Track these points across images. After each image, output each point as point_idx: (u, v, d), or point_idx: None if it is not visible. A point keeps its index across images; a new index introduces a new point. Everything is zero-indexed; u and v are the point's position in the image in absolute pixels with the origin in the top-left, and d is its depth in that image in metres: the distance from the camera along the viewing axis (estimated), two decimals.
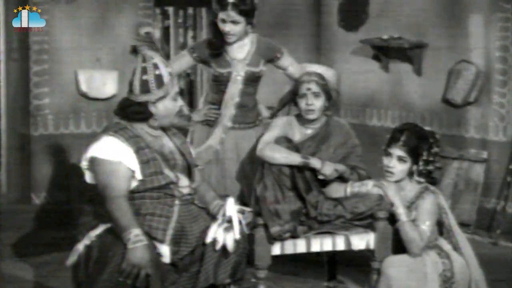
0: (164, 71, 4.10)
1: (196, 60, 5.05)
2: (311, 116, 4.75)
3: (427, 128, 4.72)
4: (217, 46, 4.94)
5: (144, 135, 4.13)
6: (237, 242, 4.08)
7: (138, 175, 4.04)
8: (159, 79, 4.09)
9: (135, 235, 3.88)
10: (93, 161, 4.04)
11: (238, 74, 4.97)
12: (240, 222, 4.10)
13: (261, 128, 5.05)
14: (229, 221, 4.08)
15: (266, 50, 5.03)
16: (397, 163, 4.53)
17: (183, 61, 5.06)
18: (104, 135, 4.08)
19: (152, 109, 4.10)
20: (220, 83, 5.01)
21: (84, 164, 4.08)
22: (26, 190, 6.67)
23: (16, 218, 6.39)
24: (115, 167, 4.00)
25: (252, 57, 4.99)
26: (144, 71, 4.11)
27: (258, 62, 5.00)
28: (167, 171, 4.11)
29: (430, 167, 4.56)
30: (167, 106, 4.11)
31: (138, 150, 4.05)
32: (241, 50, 4.98)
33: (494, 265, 5.12)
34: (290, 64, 5.08)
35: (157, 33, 4.03)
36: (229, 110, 5.00)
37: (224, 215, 4.11)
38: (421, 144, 4.54)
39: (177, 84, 4.18)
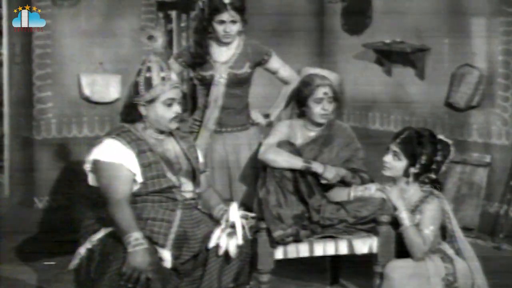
0: (155, 74, 4.10)
1: (182, 66, 5.04)
2: (323, 120, 4.75)
3: (443, 138, 4.70)
4: (201, 50, 4.94)
5: (147, 138, 4.13)
6: (240, 246, 4.08)
7: (139, 178, 4.04)
8: (148, 81, 4.11)
9: (135, 239, 3.88)
10: (95, 164, 4.06)
11: (221, 77, 4.96)
12: (243, 227, 4.10)
13: (252, 132, 5.05)
14: (232, 226, 4.08)
15: (253, 53, 5.01)
16: (391, 158, 4.55)
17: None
18: (106, 138, 4.10)
19: (143, 111, 4.12)
20: (204, 87, 5.01)
21: (87, 166, 4.10)
22: (29, 193, 6.67)
23: (18, 222, 6.40)
24: (116, 170, 4.01)
25: (236, 60, 4.97)
26: (139, 73, 4.15)
27: (242, 64, 4.98)
28: (169, 175, 4.11)
29: (432, 175, 4.56)
30: (158, 111, 4.11)
31: (139, 153, 4.05)
32: (225, 53, 4.98)
33: (497, 269, 5.11)
34: (280, 66, 5.08)
35: (160, 38, 4.02)
36: (213, 113, 4.99)
37: (227, 220, 4.11)
38: (421, 148, 4.54)
39: (175, 90, 4.15)
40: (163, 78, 4.11)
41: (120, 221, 3.93)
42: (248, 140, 4.99)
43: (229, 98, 4.99)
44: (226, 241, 4.05)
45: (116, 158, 4.03)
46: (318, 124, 4.78)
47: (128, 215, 3.94)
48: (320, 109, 4.73)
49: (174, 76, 4.17)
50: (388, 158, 4.56)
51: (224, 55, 4.98)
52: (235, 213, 4.11)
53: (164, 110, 4.11)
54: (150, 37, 4.33)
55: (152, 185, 4.06)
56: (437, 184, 4.60)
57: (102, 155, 4.05)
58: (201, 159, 4.37)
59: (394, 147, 4.54)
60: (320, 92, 4.73)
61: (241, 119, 5.06)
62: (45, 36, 6.51)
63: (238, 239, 4.06)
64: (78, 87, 6.62)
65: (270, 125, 5.11)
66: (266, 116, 5.13)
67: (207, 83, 4.98)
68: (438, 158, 4.58)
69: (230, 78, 4.96)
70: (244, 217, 4.15)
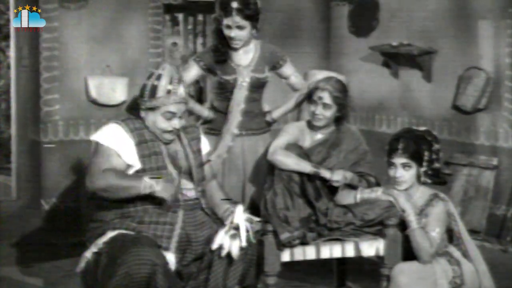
0: (162, 85, 4.09)
1: (203, 69, 5.02)
2: (316, 123, 4.74)
3: (421, 128, 4.71)
4: (221, 53, 4.94)
5: (154, 129, 4.13)
6: (244, 249, 4.07)
7: (137, 165, 4.04)
8: (153, 89, 4.11)
9: (147, 185, 3.93)
10: (95, 145, 4.08)
11: (244, 81, 4.96)
12: (247, 231, 4.09)
13: (269, 136, 5.04)
14: (236, 228, 4.08)
15: (270, 56, 5.02)
16: (403, 171, 4.53)
17: (192, 71, 5.00)
18: (112, 121, 4.14)
19: (143, 114, 4.12)
20: (225, 91, 5.00)
21: (91, 147, 4.12)
22: (36, 196, 6.68)
23: (25, 224, 6.41)
24: (110, 156, 4.03)
25: (256, 63, 4.98)
26: (149, 77, 4.15)
27: (263, 68, 4.99)
28: (170, 167, 4.10)
29: (436, 165, 4.56)
30: (156, 120, 4.11)
31: (140, 143, 4.06)
32: (246, 57, 4.98)
33: (504, 272, 5.11)
34: (292, 73, 5.08)
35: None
36: (235, 117, 4.99)
37: (231, 222, 4.10)
38: (420, 146, 4.53)
39: (178, 105, 4.12)
40: (168, 91, 4.10)
41: (119, 183, 3.95)
42: (265, 144, 4.98)
43: (249, 102, 4.99)
44: (229, 242, 4.04)
45: (114, 144, 4.04)
46: (324, 127, 4.77)
47: (121, 175, 3.95)
48: (312, 110, 4.72)
49: (181, 91, 4.14)
50: (400, 172, 4.53)
51: (244, 59, 4.97)
52: (240, 215, 4.11)
53: (162, 122, 4.11)
54: (174, 44, 4.34)
55: (151, 175, 4.06)
56: (440, 178, 4.59)
57: (101, 138, 4.07)
58: (205, 149, 4.36)
59: (401, 160, 4.51)
60: (315, 95, 4.71)
61: (259, 122, 5.07)
62: (52, 38, 6.52)
63: (242, 241, 4.05)
64: (85, 89, 6.63)
65: (273, 122, 5.11)
66: (268, 112, 5.13)
67: (229, 87, 4.97)
68: (436, 146, 4.57)
69: (252, 82, 4.96)
70: (249, 221, 4.15)
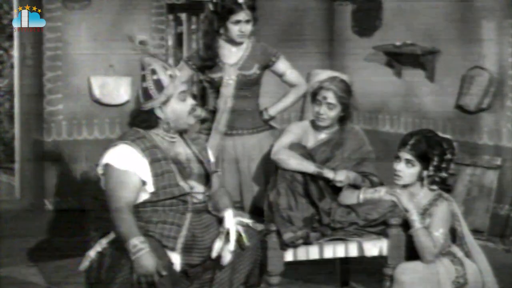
0: (162, 75, 4.08)
1: (193, 69, 5.04)
2: (321, 123, 4.74)
3: (443, 135, 4.69)
4: (211, 53, 4.96)
5: (160, 142, 4.10)
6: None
7: (150, 188, 4.02)
8: (158, 83, 4.08)
9: (133, 246, 3.84)
10: (106, 167, 4.03)
11: (230, 78, 4.97)
12: (240, 234, 4.07)
13: (264, 135, 5.04)
14: (228, 233, 4.07)
15: (261, 55, 5.02)
16: (405, 166, 4.52)
17: (183, 72, 5.01)
18: (122, 142, 4.04)
19: (160, 114, 4.09)
20: (214, 89, 5.03)
21: (100, 169, 4.07)
22: (39, 195, 6.69)
23: (29, 224, 6.42)
24: (126, 178, 3.97)
25: (244, 61, 4.99)
26: (144, 78, 4.11)
27: (251, 66, 4.99)
28: (182, 183, 4.09)
29: (443, 174, 4.55)
30: (175, 108, 4.09)
31: (153, 162, 4.02)
32: (235, 55, 5.00)
33: (507, 272, 5.10)
34: (286, 70, 5.07)
35: (149, 41, 4.05)
36: (223, 115, 5.00)
37: (224, 227, 4.10)
38: (431, 150, 4.52)
39: (183, 84, 4.14)
40: (171, 76, 4.11)
41: (119, 228, 3.91)
42: (259, 143, 4.99)
43: (238, 100, 4.99)
44: (222, 248, 4.03)
45: (128, 165, 3.99)
46: (327, 126, 4.78)
47: (127, 222, 3.91)
48: (316, 110, 4.73)
49: (178, 72, 4.18)
50: (401, 167, 4.52)
51: (233, 57, 4.99)
52: (230, 219, 4.10)
53: (180, 105, 4.09)
54: (142, 42, 4.33)
55: (164, 194, 4.04)
56: (447, 185, 4.59)
57: (114, 160, 4.01)
58: (212, 159, 4.36)
59: (406, 155, 4.51)
60: (320, 95, 4.72)
61: (252, 122, 5.06)
62: (55, 38, 6.54)
63: (230, 245, 4.03)
64: (88, 89, 6.64)
65: (270, 119, 5.10)
66: (265, 109, 5.11)
67: (217, 85, 5.00)
68: (448, 156, 4.56)
69: (239, 79, 4.97)
70: (241, 224, 4.12)
